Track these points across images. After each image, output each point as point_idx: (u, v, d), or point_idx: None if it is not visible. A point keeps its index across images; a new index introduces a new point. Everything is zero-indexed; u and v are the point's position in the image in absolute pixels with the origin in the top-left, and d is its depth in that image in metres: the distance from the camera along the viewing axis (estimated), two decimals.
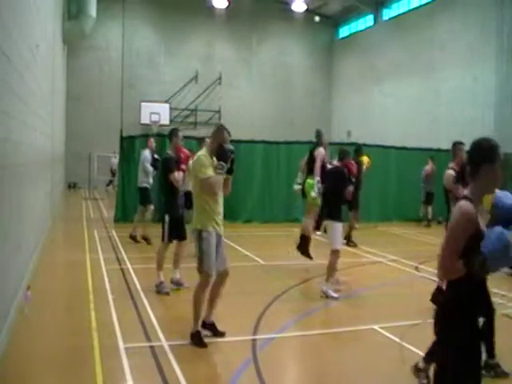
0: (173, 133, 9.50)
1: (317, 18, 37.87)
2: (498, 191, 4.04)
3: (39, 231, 12.09)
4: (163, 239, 9.07)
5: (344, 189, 9.18)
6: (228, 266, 6.76)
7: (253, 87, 38.62)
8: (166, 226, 8.99)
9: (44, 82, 12.82)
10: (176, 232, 9.09)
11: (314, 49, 40.23)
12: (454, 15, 27.83)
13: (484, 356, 4.96)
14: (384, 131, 31.26)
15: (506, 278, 10.20)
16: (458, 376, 3.38)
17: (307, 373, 6.15)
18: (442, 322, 3.52)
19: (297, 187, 12.03)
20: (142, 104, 33.67)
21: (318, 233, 12.63)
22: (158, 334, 6.85)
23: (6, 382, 5.39)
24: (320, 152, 11.19)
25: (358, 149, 14.85)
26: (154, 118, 33.50)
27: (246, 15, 37.21)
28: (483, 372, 4.62)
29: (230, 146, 6.61)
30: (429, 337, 4.19)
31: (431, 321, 3.61)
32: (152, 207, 14.16)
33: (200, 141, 12.90)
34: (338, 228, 9.11)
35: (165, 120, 33.82)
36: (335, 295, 8.90)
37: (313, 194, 11.02)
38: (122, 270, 10.69)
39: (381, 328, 7.29)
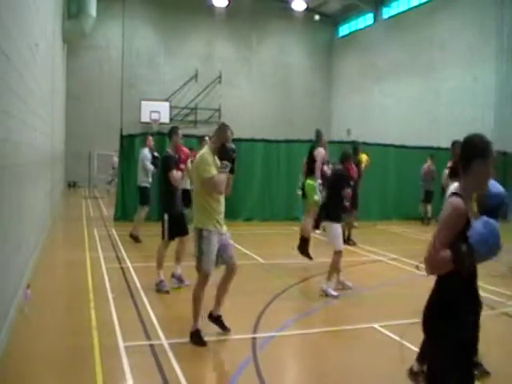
0: (173, 131, 9.50)
1: (317, 17, 37.90)
2: None
3: (39, 230, 12.09)
4: (163, 237, 9.08)
5: (342, 190, 9.17)
6: (236, 262, 6.77)
7: (253, 86, 38.64)
8: (166, 225, 8.99)
9: (44, 82, 12.82)
10: (177, 229, 9.09)
11: (313, 48, 40.24)
12: (455, 14, 27.84)
13: None
14: (384, 131, 31.29)
15: (506, 276, 10.22)
16: (449, 377, 3.38)
17: (307, 371, 6.16)
18: (431, 322, 3.51)
19: (300, 192, 11.99)
20: (142, 102, 33.72)
21: (318, 231, 12.64)
22: (158, 332, 6.85)
23: (6, 381, 5.39)
24: (320, 152, 11.18)
25: (356, 148, 14.77)
26: (154, 116, 33.53)
27: (246, 14, 37.23)
28: None
29: (232, 145, 6.61)
30: None
31: None
32: (147, 209, 14.16)
33: (200, 139, 12.91)
34: (337, 229, 9.13)
35: (165, 118, 33.86)
36: (335, 294, 8.91)
37: (316, 197, 11.04)
38: (121, 268, 10.70)
39: (381, 326, 7.29)
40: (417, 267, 11.12)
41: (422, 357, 5.26)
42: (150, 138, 14.64)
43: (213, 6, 35.84)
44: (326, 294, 8.89)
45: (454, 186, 5.28)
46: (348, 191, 9.20)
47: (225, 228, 6.68)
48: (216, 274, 6.79)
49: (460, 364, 3.41)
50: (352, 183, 9.50)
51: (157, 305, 8.21)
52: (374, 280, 10.50)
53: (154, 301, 8.33)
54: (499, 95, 24.73)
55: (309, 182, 11.28)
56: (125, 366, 5.71)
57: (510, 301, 8.78)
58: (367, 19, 36.72)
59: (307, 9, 37.29)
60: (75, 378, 5.55)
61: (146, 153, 13.93)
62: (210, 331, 6.72)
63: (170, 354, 6.08)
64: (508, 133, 22.72)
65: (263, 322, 7.44)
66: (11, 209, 7.08)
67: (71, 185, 33.27)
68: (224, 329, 6.83)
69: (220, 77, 37.39)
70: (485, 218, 3.27)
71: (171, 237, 9.10)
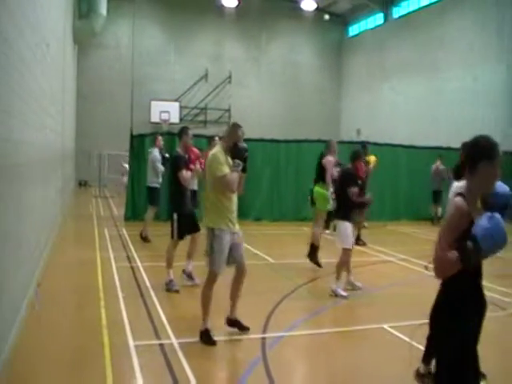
0: (183, 131, 9.50)
1: (326, 17, 37.82)
2: None
3: (50, 228, 12.15)
4: (172, 237, 9.09)
5: (348, 188, 9.15)
6: (245, 263, 6.79)
7: (262, 86, 38.62)
8: (175, 224, 9.00)
9: (55, 81, 12.88)
10: (187, 228, 9.12)
11: (323, 47, 40.16)
12: (464, 14, 27.74)
13: None
14: (393, 130, 31.21)
15: None
16: (456, 376, 3.37)
17: (316, 371, 6.15)
18: (438, 321, 3.51)
19: (309, 200, 11.86)
20: (152, 103, 33.80)
21: (327, 231, 12.62)
22: (168, 331, 6.88)
23: (16, 379, 5.42)
24: (329, 161, 11.09)
25: (363, 148, 14.63)
26: (164, 116, 33.57)
27: (256, 14, 37.21)
28: None
29: (244, 145, 6.63)
30: None
31: None
32: (156, 209, 14.21)
33: (210, 139, 12.91)
34: (346, 227, 9.11)
35: (175, 118, 33.91)
36: (344, 294, 8.90)
37: (328, 206, 11.02)
38: (131, 268, 10.73)
39: (390, 327, 7.29)
40: (426, 268, 11.08)
41: (427, 357, 5.26)
42: (160, 137, 14.64)
43: (222, 5, 35.84)
44: (336, 295, 8.89)
45: (456, 186, 5.26)
46: (355, 189, 9.17)
47: (237, 227, 6.70)
48: (228, 274, 6.81)
49: (467, 362, 3.41)
50: (360, 182, 9.43)
51: (166, 304, 8.23)
52: (383, 280, 10.48)
53: (163, 300, 8.36)
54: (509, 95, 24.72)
55: (317, 189, 11.21)
56: (135, 365, 5.73)
57: None
58: (377, 19, 36.60)
59: (317, 9, 37.23)
60: (85, 376, 5.57)
61: (155, 153, 13.94)
62: (219, 331, 6.73)
63: (180, 354, 6.09)
64: None
65: (273, 321, 7.45)
66: (23, 207, 7.12)
67: (82, 184, 33.36)
68: (244, 329, 6.86)
69: (230, 77, 37.38)
70: (489, 213, 3.26)
71: (180, 236, 9.12)
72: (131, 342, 6.40)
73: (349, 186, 9.15)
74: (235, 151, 6.52)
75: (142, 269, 10.56)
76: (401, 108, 32.62)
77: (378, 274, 11.16)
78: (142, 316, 7.56)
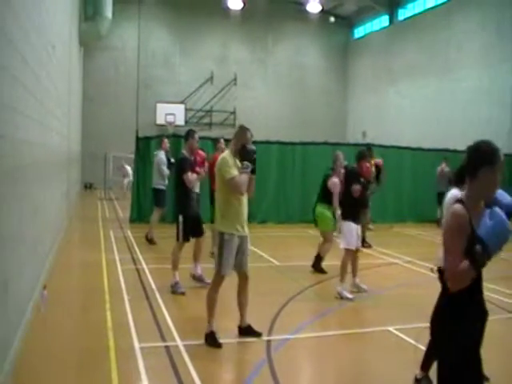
0: (189, 134, 9.49)
1: (332, 19, 37.86)
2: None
3: (55, 231, 12.16)
4: (178, 239, 9.10)
5: (350, 186, 9.16)
6: (247, 269, 6.78)
7: (268, 88, 38.62)
8: (180, 226, 9.01)
9: (60, 83, 12.91)
10: (192, 230, 9.13)
11: (329, 49, 40.15)
12: (470, 15, 27.71)
13: None
14: (399, 132, 31.19)
15: None
16: (460, 378, 3.36)
17: (322, 374, 6.14)
18: (440, 324, 3.49)
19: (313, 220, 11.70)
20: (158, 105, 33.88)
21: (334, 234, 12.59)
22: (173, 334, 6.88)
23: (22, 382, 5.43)
24: (335, 184, 10.88)
25: (369, 150, 14.50)
26: (170, 118, 33.62)
27: (261, 16, 37.22)
28: None
29: (253, 147, 6.64)
30: None
31: None
32: (162, 211, 14.24)
33: (215, 141, 12.92)
34: (348, 227, 9.11)
35: (180, 121, 33.98)
36: (350, 296, 8.89)
37: (333, 227, 10.95)
38: (137, 270, 10.74)
39: (396, 329, 7.27)
40: (431, 270, 11.05)
41: (425, 365, 5.26)
42: (166, 140, 14.65)
43: (228, 8, 35.83)
44: (341, 297, 8.88)
45: (451, 193, 5.22)
46: (357, 187, 9.14)
47: (246, 230, 6.70)
48: (234, 276, 6.80)
49: (471, 365, 3.39)
50: (363, 181, 9.39)
51: (172, 306, 8.23)
52: (388, 282, 10.46)
53: (169, 302, 8.36)
54: None
55: (320, 210, 11.04)
56: (140, 368, 5.73)
57: None
58: (382, 21, 36.57)
59: (322, 11, 37.20)
60: (90, 379, 5.58)
61: (161, 156, 13.96)
62: (224, 333, 6.73)
63: (185, 356, 6.09)
64: None
65: (278, 324, 7.44)
66: (27, 209, 7.13)
67: (87, 186, 33.39)
68: (257, 335, 6.84)
69: (235, 79, 37.40)
70: (488, 210, 3.24)
71: (186, 238, 9.12)
72: (137, 345, 6.40)
73: (351, 184, 9.16)
74: (244, 153, 6.53)
75: (147, 271, 10.56)
76: (407, 110, 32.58)
77: (383, 276, 11.14)
78: (147, 318, 7.56)
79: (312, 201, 11.83)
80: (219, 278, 6.56)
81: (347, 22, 40.02)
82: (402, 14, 34.36)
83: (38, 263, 8.43)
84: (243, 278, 6.80)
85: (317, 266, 11.05)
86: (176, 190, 9.58)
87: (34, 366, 5.83)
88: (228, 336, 6.74)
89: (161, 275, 10.03)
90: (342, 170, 10.95)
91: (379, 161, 14.60)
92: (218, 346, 6.44)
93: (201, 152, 10.10)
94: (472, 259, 3.17)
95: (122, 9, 31.05)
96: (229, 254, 6.48)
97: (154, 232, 13.74)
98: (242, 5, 35.43)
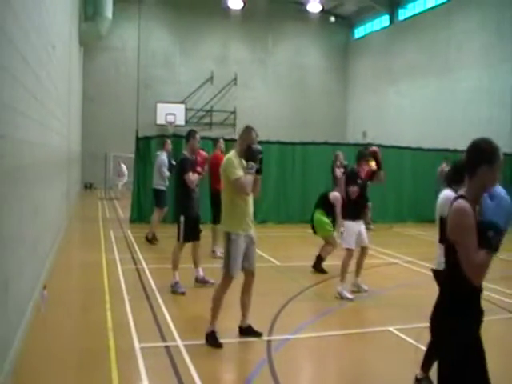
0: (190, 134, 9.46)
1: (332, 19, 37.85)
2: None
3: (55, 231, 12.16)
4: (178, 239, 9.09)
5: (347, 187, 9.18)
6: (254, 269, 6.78)
7: (268, 88, 38.62)
8: (182, 227, 9.01)
9: (60, 83, 12.90)
10: (190, 233, 9.12)
11: (329, 49, 40.15)
12: (470, 15, 27.70)
13: None
14: (399, 132, 31.18)
15: None
16: (462, 375, 3.35)
17: (322, 374, 6.14)
18: (440, 321, 3.49)
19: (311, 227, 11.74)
20: (158, 105, 33.87)
21: (334, 234, 12.59)
22: (174, 333, 6.87)
23: (22, 382, 5.43)
24: (337, 198, 10.98)
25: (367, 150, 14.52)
26: (170, 118, 33.60)
27: (262, 16, 37.21)
28: None
29: (259, 147, 6.63)
30: None
31: None
32: (162, 211, 14.24)
33: (215, 141, 12.91)
34: (347, 227, 9.13)
35: (180, 121, 33.96)
36: (350, 297, 8.88)
37: (331, 232, 11.03)
38: (137, 270, 10.73)
39: (396, 329, 7.27)
40: (432, 270, 11.06)
41: (426, 365, 5.26)
42: (169, 141, 14.65)
43: (228, 7, 35.82)
44: (342, 297, 8.88)
45: (444, 193, 5.18)
46: (354, 189, 9.14)
47: (253, 229, 6.70)
48: (238, 277, 6.80)
49: (472, 362, 3.38)
50: (360, 182, 9.39)
51: (172, 306, 8.23)
52: (389, 282, 10.46)
53: (169, 302, 8.36)
54: None
55: (317, 216, 11.14)
56: (140, 368, 5.73)
57: None
58: (383, 21, 36.56)
59: (323, 11, 37.20)
60: (91, 379, 5.57)
61: (163, 158, 13.95)
62: (225, 333, 6.72)
63: (186, 356, 6.09)
64: None
65: (278, 324, 7.44)
66: (27, 209, 7.13)
67: (87, 186, 33.37)
68: (257, 335, 6.83)
69: (235, 79, 37.40)
70: (486, 194, 3.27)
71: (186, 238, 9.12)
72: (137, 345, 6.40)
73: (349, 186, 9.17)
74: (249, 153, 6.53)
75: (147, 271, 10.56)
76: (407, 110, 32.58)
77: (383, 276, 11.13)
78: (147, 318, 7.55)
79: (312, 201, 11.85)
80: (228, 279, 6.55)
81: (347, 22, 40.02)
82: (403, 13, 34.35)
83: (38, 263, 8.43)
84: (249, 277, 6.78)
85: (317, 267, 11.06)
86: (177, 191, 9.58)
87: (34, 366, 5.82)
88: (228, 336, 6.73)
89: (161, 275, 10.03)
90: (341, 170, 11.00)
91: (375, 148, 14.64)
92: (219, 345, 6.43)
93: (202, 152, 10.10)
94: (487, 246, 3.18)
95: (122, 9, 31.06)
96: (236, 254, 6.48)
97: (153, 232, 13.74)
98: (242, 5, 35.42)
